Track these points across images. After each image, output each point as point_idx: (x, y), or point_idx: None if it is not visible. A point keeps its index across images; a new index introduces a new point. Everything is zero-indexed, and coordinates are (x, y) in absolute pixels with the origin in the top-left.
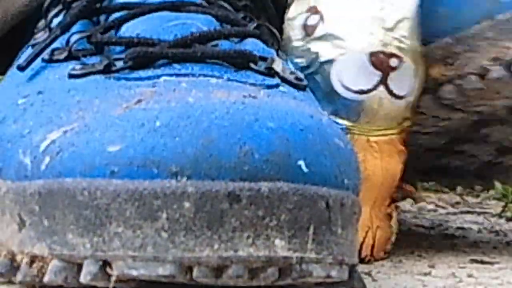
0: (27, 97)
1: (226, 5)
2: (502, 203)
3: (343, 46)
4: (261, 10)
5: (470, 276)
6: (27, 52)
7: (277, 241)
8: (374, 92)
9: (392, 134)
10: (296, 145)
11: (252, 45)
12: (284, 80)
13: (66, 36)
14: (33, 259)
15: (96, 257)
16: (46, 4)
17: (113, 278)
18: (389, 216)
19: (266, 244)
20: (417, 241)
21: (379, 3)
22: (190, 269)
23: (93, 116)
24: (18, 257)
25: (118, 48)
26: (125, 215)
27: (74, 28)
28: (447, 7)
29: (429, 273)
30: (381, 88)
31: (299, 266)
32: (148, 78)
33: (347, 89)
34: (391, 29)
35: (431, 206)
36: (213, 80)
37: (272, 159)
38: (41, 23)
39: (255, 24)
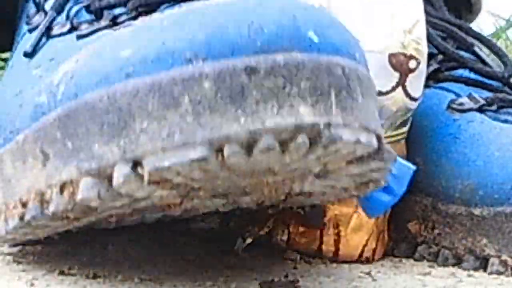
0: (39, 66)
1: None
2: None
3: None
4: None
5: (470, 276)
6: (27, 37)
7: (301, 108)
8: (392, 94)
9: (401, 137)
10: (303, 19)
11: None
12: None
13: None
14: (62, 187)
15: (125, 158)
16: None
17: (146, 177)
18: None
19: (291, 112)
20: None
21: (397, 5)
22: (221, 149)
23: (102, 42)
24: (47, 193)
25: (117, 11)
26: (148, 109)
27: (70, 3)
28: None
29: (429, 273)
30: (399, 89)
31: (328, 131)
32: None
33: None
34: (409, 31)
35: None
36: None
37: (282, 32)
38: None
39: None
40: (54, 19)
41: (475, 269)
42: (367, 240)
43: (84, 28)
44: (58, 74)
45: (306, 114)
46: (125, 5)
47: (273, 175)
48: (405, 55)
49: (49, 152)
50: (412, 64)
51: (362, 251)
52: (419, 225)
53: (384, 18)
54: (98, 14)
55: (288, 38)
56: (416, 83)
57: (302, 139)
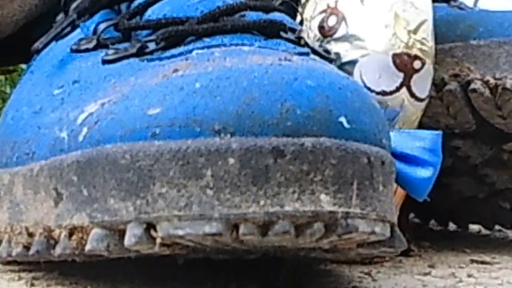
0: (62, 87)
1: None
2: None
3: (365, 47)
4: None
5: (470, 276)
6: (52, 45)
7: (322, 196)
8: (396, 94)
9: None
10: (336, 102)
11: (279, 16)
12: (314, 51)
13: (91, 25)
14: (72, 231)
15: (140, 219)
16: None
17: (158, 241)
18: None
19: (312, 199)
20: (417, 241)
21: (402, 5)
22: (236, 226)
23: (131, 88)
24: (56, 233)
25: (145, 32)
26: (169, 175)
27: (97, 18)
28: None
29: (429, 273)
30: (404, 90)
31: (345, 221)
32: (181, 54)
33: (370, 90)
34: (414, 31)
35: None
36: (245, 48)
37: (313, 115)
38: (60, 16)
39: (279, 1)
40: (73, 21)
41: (455, 91)
42: None
43: (111, 53)
44: (82, 113)
45: (326, 202)
46: (152, 29)
47: (282, 249)
48: (409, 55)
49: (63, 193)
50: (416, 64)
51: None
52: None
53: (388, 18)
54: (125, 35)
55: (319, 122)
56: (421, 83)
57: (318, 226)
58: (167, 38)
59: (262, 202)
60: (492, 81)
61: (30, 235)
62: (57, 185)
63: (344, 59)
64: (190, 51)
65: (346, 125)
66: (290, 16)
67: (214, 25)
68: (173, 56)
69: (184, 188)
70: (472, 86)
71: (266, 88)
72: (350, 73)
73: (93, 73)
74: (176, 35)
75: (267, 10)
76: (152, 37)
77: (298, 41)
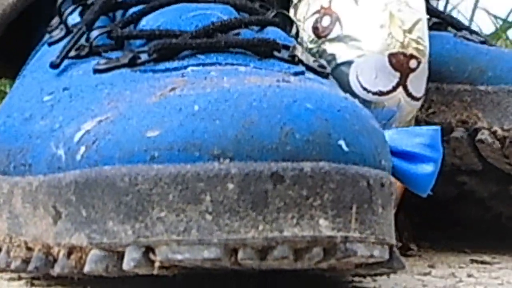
0: (52, 94)
1: None
2: None
3: (361, 47)
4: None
5: (470, 276)
6: (45, 50)
7: (321, 221)
8: (393, 94)
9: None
10: (335, 125)
11: (273, 33)
12: (309, 68)
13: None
14: (70, 251)
15: (139, 243)
16: (59, 2)
17: (157, 264)
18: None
19: (311, 224)
20: (417, 241)
21: (396, 5)
22: (235, 251)
23: (127, 105)
24: (54, 250)
25: (138, 42)
26: (168, 199)
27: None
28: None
29: (429, 273)
30: (400, 89)
31: (344, 246)
32: (175, 69)
33: (366, 90)
34: (409, 31)
35: None
36: (242, 68)
37: (313, 139)
38: (55, 20)
39: (273, 13)
40: (83, 34)
41: (461, 138)
42: None
43: (103, 62)
44: (79, 130)
45: (325, 227)
46: (146, 39)
47: (280, 271)
48: (405, 54)
49: (61, 211)
50: (412, 63)
51: None
52: None
53: (383, 18)
54: (118, 43)
55: (318, 146)
56: (417, 83)
57: (317, 251)
58: (160, 50)
59: (261, 227)
60: (500, 132)
61: (29, 249)
62: (56, 203)
63: (340, 59)
64: (185, 67)
65: (345, 148)
66: (285, 28)
67: (208, 41)
68: (167, 70)
69: (183, 212)
70: (480, 136)
71: (265, 111)
72: (346, 74)
73: (84, 81)
74: (169, 47)
75: (262, 25)
76: (145, 48)
77: (292, 59)
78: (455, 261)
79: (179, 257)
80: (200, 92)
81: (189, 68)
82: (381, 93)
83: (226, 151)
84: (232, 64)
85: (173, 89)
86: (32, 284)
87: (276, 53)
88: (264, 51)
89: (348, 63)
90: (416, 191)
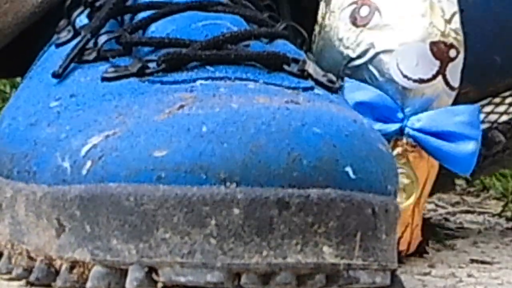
0: (59, 100)
1: (249, 4)
2: (502, 203)
3: (402, 36)
4: (285, 9)
5: (470, 276)
6: (52, 51)
7: (325, 248)
8: (433, 82)
9: None
10: (343, 151)
11: (282, 46)
12: (318, 83)
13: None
14: (73, 265)
15: (142, 263)
16: (67, 3)
17: (159, 285)
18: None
19: (315, 251)
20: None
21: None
22: (238, 276)
23: (135, 121)
24: (57, 263)
25: (146, 49)
26: (173, 221)
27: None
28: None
29: (429, 273)
30: (439, 78)
31: (346, 273)
32: (184, 81)
33: (407, 77)
34: (448, 21)
35: (431, 206)
36: (251, 85)
37: (320, 165)
38: (63, 22)
39: (283, 25)
40: (88, 40)
41: None
42: (403, 233)
43: (111, 70)
44: (86, 144)
45: (328, 254)
46: (154, 47)
47: None
48: (445, 43)
49: (65, 225)
50: (452, 53)
51: (397, 244)
52: None
53: (424, 7)
54: (127, 48)
55: (325, 172)
56: (455, 72)
57: (319, 278)
58: (169, 60)
59: (265, 253)
60: None
61: (31, 258)
62: (60, 216)
63: (379, 48)
64: (194, 80)
65: (352, 175)
66: (295, 40)
67: (217, 53)
68: (176, 82)
69: (188, 235)
70: None
71: (273, 136)
72: (385, 62)
73: (91, 89)
74: (178, 58)
75: (271, 37)
76: (154, 56)
77: (302, 73)
78: (455, 261)
79: (182, 279)
80: (208, 112)
81: (198, 82)
82: (421, 81)
83: (233, 175)
84: (242, 79)
85: (181, 106)
86: (32, 284)
87: (285, 66)
88: (273, 64)
89: (388, 51)
90: (459, 171)
